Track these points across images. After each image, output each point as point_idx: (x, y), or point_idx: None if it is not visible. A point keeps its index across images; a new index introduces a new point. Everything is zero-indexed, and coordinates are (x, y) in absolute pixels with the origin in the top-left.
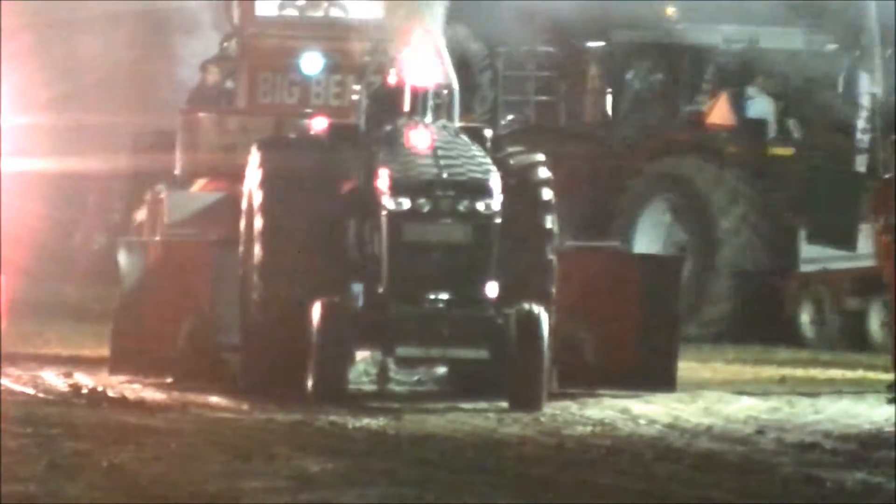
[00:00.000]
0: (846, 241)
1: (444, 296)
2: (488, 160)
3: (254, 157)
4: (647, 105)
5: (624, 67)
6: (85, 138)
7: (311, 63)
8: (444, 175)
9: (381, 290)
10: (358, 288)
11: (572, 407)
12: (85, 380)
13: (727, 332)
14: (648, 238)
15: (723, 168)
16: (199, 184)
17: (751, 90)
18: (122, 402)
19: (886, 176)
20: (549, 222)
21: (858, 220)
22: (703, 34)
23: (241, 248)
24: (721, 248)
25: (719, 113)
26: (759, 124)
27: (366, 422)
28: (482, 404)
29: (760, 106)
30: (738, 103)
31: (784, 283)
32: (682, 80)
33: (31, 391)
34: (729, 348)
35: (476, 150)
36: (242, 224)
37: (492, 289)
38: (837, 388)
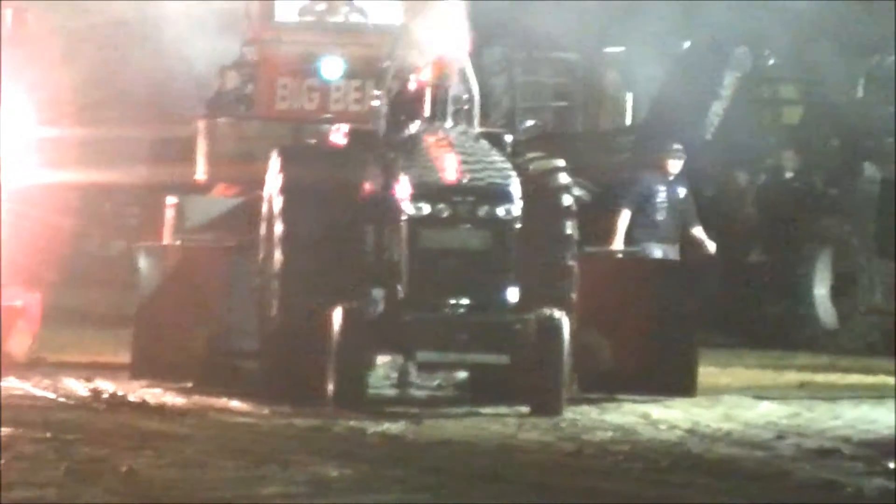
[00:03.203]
0: None
1: (463, 301)
2: (508, 165)
3: (274, 164)
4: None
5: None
6: (101, 147)
7: (331, 68)
8: (464, 181)
9: (400, 295)
10: (378, 293)
11: (592, 412)
12: (105, 385)
13: None
14: None
15: None
16: (216, 189)
17: None
18: (142, 406)
19: None
20: (569, 228)
21: None
22: None
23: (260, 255)
24: None
25: None
26: None
27: (385, 427)
28: (502, 409)
29: None
30: None
31: None
32: None
33: (51, 396)
34: (748, 353)
35: (496, 156)
36: (262, 230)
37: (512, 294)
38: (857, 394)
